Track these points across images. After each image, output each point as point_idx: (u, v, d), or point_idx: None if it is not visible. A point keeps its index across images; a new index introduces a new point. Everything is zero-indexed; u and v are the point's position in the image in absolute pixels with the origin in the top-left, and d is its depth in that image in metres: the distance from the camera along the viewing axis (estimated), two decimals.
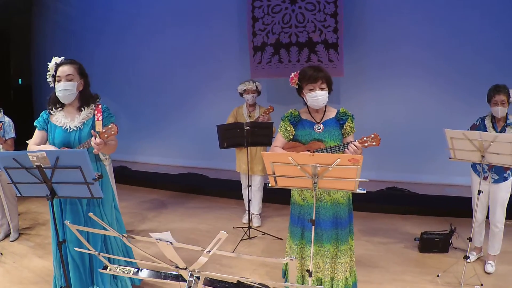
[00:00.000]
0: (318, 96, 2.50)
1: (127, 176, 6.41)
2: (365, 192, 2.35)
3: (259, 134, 3.92)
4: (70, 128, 2.56)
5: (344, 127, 2.63)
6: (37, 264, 3.63)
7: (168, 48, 6.72)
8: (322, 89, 2.51)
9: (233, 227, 4.44)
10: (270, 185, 2.36)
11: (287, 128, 2.66)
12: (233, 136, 3.88)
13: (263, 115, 4.15)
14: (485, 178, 3.41)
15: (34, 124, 2.64)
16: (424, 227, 4.39)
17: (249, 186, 4.26)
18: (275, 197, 5.01)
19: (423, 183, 5.54)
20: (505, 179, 3.37)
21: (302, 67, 5.54)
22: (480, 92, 4.99)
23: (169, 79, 6.87)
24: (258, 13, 5.51)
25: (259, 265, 3.57)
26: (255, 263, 3.60)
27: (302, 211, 2.67)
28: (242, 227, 4.38)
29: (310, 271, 2.45)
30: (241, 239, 4.06)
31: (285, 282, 2.85)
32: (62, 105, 2.60)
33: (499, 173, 3.36)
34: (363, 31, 5.43)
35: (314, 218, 2.37)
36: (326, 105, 2.65)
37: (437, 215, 4.93)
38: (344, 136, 2.65)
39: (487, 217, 3.62)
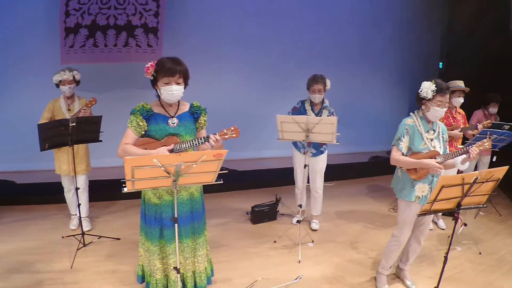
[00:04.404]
0: (173, 91, 2.41)
1: None
2: (222, 182, 2.43)
3: (85, 131, 3.52)
4: None
5: (199, 121, 2.63)
6: None
7: None
8: (178, 84, 2.42)
9: (62, 237, 3.88)
10: (127, 189, 2.17)
11: (139, 123, 2.47)
12: (56, 135, 3.34)
13: (84, 109, 3.71)
14: (304, 153, 4.01)
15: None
16: (250, 201, 4.84)
17: (77, 188, 3.76)
18: (97, 194, 4.58)
19: (240, 159, 6.04)
20: (322, 152, 4.08)
21: (120, 52, 5.19)
22: (290, 80, 5.85)
23: None
24: None
25: (107, 273, 3.29)
26: (101, 272, 3.29)
27: (159, 210, 2.58)
28: (73, 235, 3.86)
29: (178, 268, 2.42)
30: (78, 249, 3.60)
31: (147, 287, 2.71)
32: None
33: (317, 148, 4.04)
34: (183, 16, 5.41)
35: (176, 216, 2.34)
36: None
37: (258, 188, 5.56)
38: (198, 130, 2.66)
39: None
